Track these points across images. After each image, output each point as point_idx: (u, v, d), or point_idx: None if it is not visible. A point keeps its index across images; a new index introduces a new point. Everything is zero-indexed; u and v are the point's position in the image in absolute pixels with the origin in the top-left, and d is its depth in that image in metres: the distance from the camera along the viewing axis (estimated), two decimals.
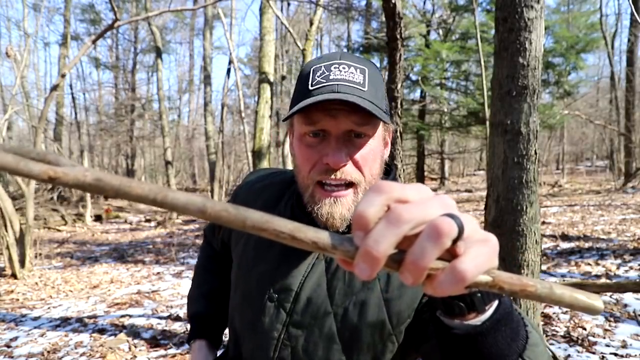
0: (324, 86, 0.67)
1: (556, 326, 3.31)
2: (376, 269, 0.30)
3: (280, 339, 0.72)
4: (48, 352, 3.41)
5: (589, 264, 4.88)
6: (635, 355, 2.79)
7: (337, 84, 0.66)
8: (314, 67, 0.70)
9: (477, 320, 0.45)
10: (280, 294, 0.74)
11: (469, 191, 16.60)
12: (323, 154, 0.68)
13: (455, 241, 0.31)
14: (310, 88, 0.68)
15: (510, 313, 0.47)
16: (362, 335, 0.69)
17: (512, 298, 0.51)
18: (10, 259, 5.74)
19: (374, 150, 0.71)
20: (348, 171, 0.68)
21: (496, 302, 0.45)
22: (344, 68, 0.68)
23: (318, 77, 0.68)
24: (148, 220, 12.78)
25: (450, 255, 0.31)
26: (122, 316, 4.19)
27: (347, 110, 0.66)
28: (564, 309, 3.59)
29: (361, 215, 0.31)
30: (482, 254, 0.32)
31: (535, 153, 2.37)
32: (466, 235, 0.32)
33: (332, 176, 0.68)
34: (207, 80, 17.29)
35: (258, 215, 0.31)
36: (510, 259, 2.30)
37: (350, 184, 0.69)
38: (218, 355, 0.97)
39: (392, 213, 0.30)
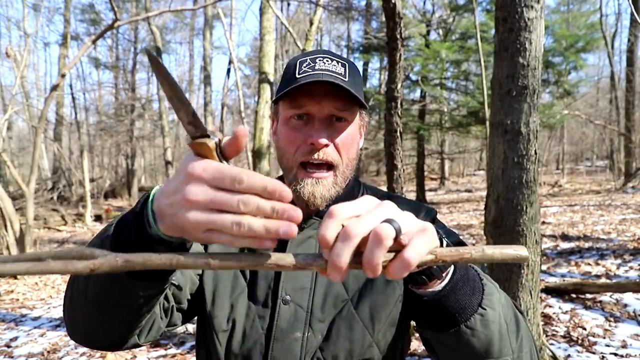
0: (310, 74, 0.73)
1: (556, 326, 3.30)
2: (344, 274, 0.40)
3: (305, 336, 0.74)
4: (48, 352, 3.41)
5: (589, 264, 4.88)
6: (635, 355, 2.79)
7: (322, 73, 0.73)
8: (300, 59, 0.78)
9: (439, 286, 0.54)
10: (294, 295, 0.76)
11: (469, 191, 16.60)
12: (307, 135, 0.74)
13: (396, 238, 0.40)
14: (297, 76, 0.74)
15: (465, 273, 0.56)
16: (379, 306, 0.75)
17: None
18: None
19: (352, 135, 0.78)
20: (329, 152, 0.75)
21: (452, 268, 0.54)
22: (327, 61, 0.76)
23: (305, 67, 0.75)
24: None
25: (399, 246, 0.41)
26: None
27: (331, 96, 0.74)
28: (565, 309, 3.60)
29: (323, 238, 0.41)
30: (421, 242, 0.42)
31: (535, 153, 2.37)
32: (406, 230, 0.42)
33: (315, 156, 0.74)
34: (207, 80, 17.30)
35: (251, 258, 0.41)
36: None
37: (330, 166, 0.76)
38: None
39: (344, 231, 0.40)
